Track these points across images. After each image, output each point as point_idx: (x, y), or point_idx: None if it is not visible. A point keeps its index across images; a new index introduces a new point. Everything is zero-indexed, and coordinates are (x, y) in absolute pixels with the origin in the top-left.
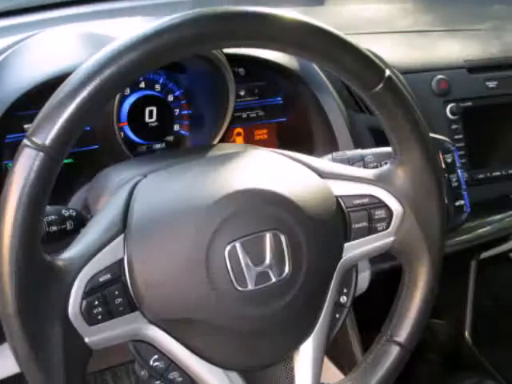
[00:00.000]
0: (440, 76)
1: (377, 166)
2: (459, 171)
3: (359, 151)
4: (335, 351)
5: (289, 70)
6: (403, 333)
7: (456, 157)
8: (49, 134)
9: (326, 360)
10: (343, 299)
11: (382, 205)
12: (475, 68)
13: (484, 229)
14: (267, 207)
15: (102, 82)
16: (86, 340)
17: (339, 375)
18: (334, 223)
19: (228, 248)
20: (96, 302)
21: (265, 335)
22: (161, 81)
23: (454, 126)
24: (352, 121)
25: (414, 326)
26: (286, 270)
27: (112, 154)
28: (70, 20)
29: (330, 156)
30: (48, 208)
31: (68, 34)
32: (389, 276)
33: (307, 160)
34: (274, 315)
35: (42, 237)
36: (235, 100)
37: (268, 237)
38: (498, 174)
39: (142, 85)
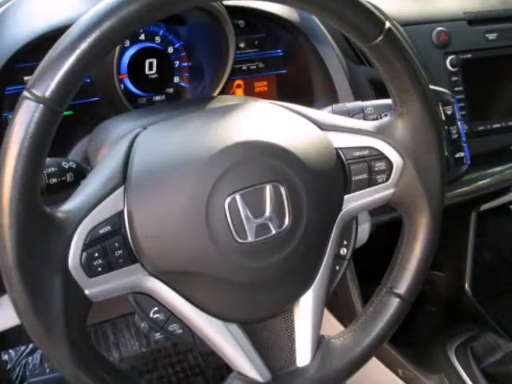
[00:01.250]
0: (440, 28)
1: (377, 118)
2: (459, 123)
3: (359, 103)
4: (335, 303)
5: (288, 22)
6: (403, 285)
7: (456, 109)
8: (49, 86)
9: (325, 312)
10: (343, 251)
11: (381, 157)
12: (475, 20)
13: (484, 181)
14: (267, 159)
15: (102, 34)
16: (86, 292)
17: (339, 327)
18: (334, 175)
19: (228, 200)
20: (96, 254)
21: (265, 287)
22: (161, 33)
23: (454, 78)
24: (352, 73)
25: (414, 278)
26: (286, 222)
27: (112, 106)
28: None
29: (329, 108)
30: (48, 160)
31: None
32: (389, 228)
33: (307, 112)
34: (273, 267)
35: (42, 189)
36: (235, 52)
37: (268, 189)
38: (498, 125)
39: (142, 37)
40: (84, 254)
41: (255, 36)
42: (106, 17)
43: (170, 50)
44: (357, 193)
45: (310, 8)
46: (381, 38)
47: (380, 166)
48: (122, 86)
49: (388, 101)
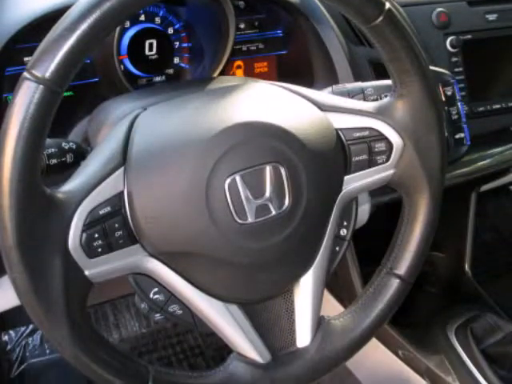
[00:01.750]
0: (440, 9)
1: (377, 99)
2: (459, 104)
3: (359, 84)
4: (335, 284)
5: (288, 3)
6: (403, 265)
7: (456, 89)
8: (49, 66)
9: (326, 293)
10: (343, 232)
11: (382, 137)
12: (475, 1)
13: (484, 161)
14: (267, 140)
15: (102, 14)
16: (86, 273)
17: (339, 308)
18: (334, 156)
19: (228, 181)
20: (96, 235)
21: (265, 268)
22: (161, 13)
23: (453, 59)
24: (352, 53)
25: (414, 259)
26: (286, 202)
27: (112, 86)
28: None
29: (329, 89)
30: (48, 141)
31: None
32: (389, 209)
33: (307, 93)
34: (273, 248)
35: (42, 170)
36: (235, 33)
37: (268, 169)
38: (498, 106)
39: (142, 17)
40: (84, 235)
41: (255, 17)
42: None
43: (170, 30)
44: (357, 174)
45: None
46: (381, 18)
47: (380, 146)
48: (122, 66)
49: (388, 82)
